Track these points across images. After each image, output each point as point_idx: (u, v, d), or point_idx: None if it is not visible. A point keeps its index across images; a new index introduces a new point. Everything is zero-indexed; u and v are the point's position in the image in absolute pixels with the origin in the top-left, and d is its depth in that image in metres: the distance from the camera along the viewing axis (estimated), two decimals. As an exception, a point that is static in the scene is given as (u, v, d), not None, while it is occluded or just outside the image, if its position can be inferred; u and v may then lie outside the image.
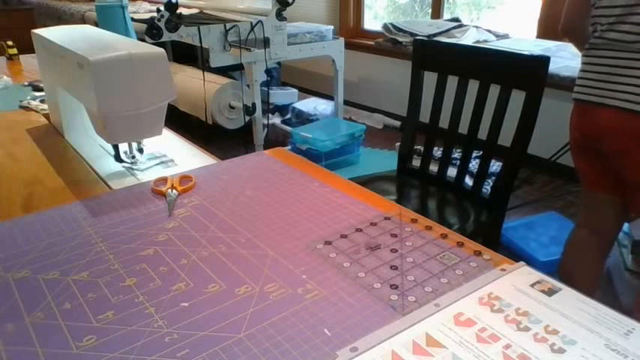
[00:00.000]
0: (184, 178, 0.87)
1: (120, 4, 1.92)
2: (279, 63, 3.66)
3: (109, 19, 1.92)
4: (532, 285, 0.56)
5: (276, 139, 3.09)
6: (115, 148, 0.95)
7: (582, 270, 1.40)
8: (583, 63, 1.23)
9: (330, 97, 3.24)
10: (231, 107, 2.77)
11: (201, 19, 2.85)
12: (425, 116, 1.42)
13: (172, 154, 1.01)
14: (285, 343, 0.49)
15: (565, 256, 1.44)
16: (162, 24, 2.24)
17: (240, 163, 0.95)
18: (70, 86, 0.95)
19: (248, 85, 2.69)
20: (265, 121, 2.84)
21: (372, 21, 3.75)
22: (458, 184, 1.37)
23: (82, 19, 3.62)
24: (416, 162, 1.49)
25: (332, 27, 2.93)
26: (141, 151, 0.98)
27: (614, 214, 1.34)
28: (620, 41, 1.12)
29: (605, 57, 1.16)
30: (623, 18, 1.10)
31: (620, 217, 1.36)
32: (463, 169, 1.35)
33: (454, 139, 1.37)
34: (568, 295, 0.54)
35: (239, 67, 2.60)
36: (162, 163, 0.98)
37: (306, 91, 3.89)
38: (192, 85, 2.81)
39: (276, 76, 3.91)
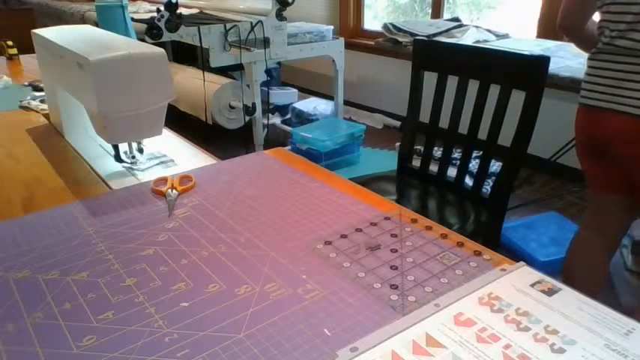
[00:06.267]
0: (184, 178, 0.87)
1: (120, 4, 1.91)
2: (279, 63, 3.65)
3: (109, 19, 1.92)
4: (532, 285, 0.56)
5: (276, 139, 3.09)
6: (115, 148, 0.95)
7: (587, 272, 1.39)
8: (590, 67, 1.22)
9: (330, 97, 3.24)
10: (231, 107, 2.77)
11: (201, 19, 2.85)
12: (425, 116, 1.42)
13: (172, 154, 1.01)
14: (285, 343, 0.49)
15: (569, 257, 1.44)
16: (162, 24, 2.24)
17: (240, 163, 0.95)
18: (70, 86, 0.95)
19: (248, 85, 2.69)
20: (265, 121, 2.84)
21: (372, 21, 3.75)
22: (458, 184, 1.37)
23: (82, 19, 3.62)
24: (416, 162, 1.49)
25: (332, 27, 2.93)
26: (141, 151, 0.98)
27: (622, 215, 1.34)
28: (632, 49, 1.11)
29: (614, 62, 1.15)
30: (635, 26, 1.10)
31: (627, 219, 1.36)
32: (463, 169, 1.35)
33: (454, 139, 1.37)
34: (568, 295, 0.54)
35: (239, 67, 2.60)
36: (162, 163, 0.98)
37: (306, 91, 3.89)
38: (192, 85, 2.81)
39: (276, 76, 3.91)
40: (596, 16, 1.24)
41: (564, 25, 1.30)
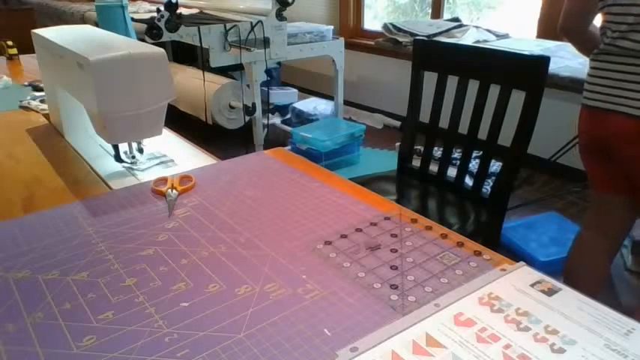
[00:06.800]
0: (184, 178, 0.87)
1: (120, 4, 1.91)
2: (279, 63, 3.65)
3: (109, 19, 1.92)
4: (532, 285, 0.56)
5: (276, 139, 3.09)
6: (115, 148, 0.95)
7: (589, 273, 1.39)
8: (592, 68, 1.22)
9: (330, 97, 3.24)
10: (231, 107, 2.77)
11: (201, 19, 2.85)
12: (425, 116, 1.42)
13: (172, 154, 1.01)
14: (285, 343, 0.49)
15: (571, 258, 1.43)
16: (162, 24, 2.24)
17: (240, 163, 0.95)
18: (70, 86, 0.95)
19: (248, 85, 2.69)
20: (265, 121, 2.84)
21: (372, 21, 3.75)
22: (458, 184, 1.37)
23: (82, 19, 3.62)
24: (416, 162, 1.49)
25: (332, 27, 2.93)
26: (141, 151, 0.98)
27: (624, 216, 1.34)
28: (633, 50, 1.11)
29: (615, 63, 1.16)
30: (636, 27, 1.09)
31: (630, 219, 1.36)
32: (463, 169, 1.35)
33: (454, 139, 1.37)
34: (568, 295, 0.54)
35: (239, 67, 2.60)
36: (162, 163, 0.98)
37: (306, 91, 3.89)
38: (192, 85, 2.81)
39: (276, 76, 3.91)
40: (597, 20, 1.24)
41: (565, 26, 1.30)
